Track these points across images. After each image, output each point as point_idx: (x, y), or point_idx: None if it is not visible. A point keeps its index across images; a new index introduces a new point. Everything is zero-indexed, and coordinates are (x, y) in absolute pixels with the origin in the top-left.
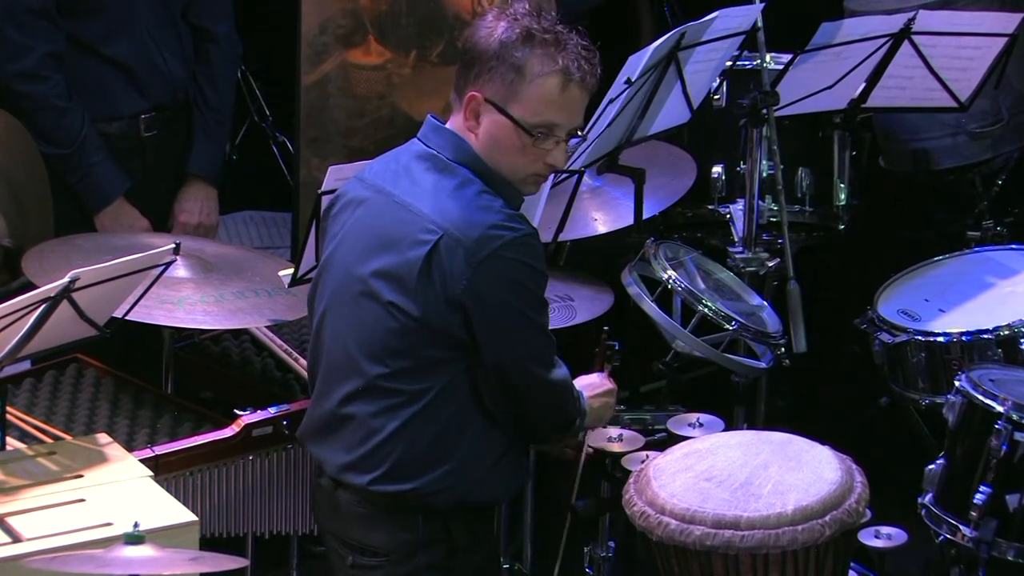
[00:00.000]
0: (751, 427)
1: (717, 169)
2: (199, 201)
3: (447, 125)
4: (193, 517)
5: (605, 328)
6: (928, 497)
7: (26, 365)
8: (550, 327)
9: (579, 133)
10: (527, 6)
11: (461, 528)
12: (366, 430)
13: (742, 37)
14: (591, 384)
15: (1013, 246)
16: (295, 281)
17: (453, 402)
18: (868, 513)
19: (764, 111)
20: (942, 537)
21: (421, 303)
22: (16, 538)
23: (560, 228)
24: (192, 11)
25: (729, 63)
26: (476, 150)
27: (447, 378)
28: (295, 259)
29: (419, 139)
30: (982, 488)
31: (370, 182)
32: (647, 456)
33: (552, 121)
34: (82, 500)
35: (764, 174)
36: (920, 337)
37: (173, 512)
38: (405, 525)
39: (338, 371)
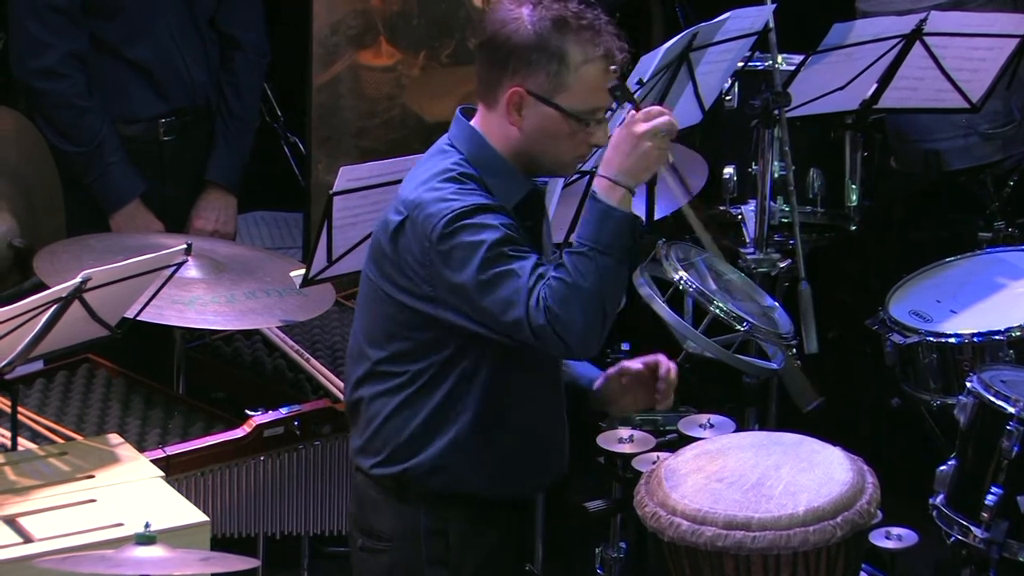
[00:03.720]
0: (762, 428)
1: (729, 170)
2: (216, 209)
3: (473, 120)
4: (204, 517)
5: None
6: (939, 498)
7: (38, 365)
8: None
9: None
10: None
11: (461, 522)
12: (369, 414)
13: (754, 38)
14: (610, 144)
15: None
16: (306, 282)
17: (446, 382)
18: (879, 514)
19: (776, 112)
20: (953, 538)
21: (400, 284)
22: (27, 538)
23: (571, 229)
24: (220, 17)
25: (741, 64)
26: (516, 142)
27: (441, 358)
28: (306, 260)
29: (448, 132)
30: (993, 489)
31: None
32: (658, 457)
33: (599, 105)
34: (93, 500)
35: (776, 175)
36: (932, 338)
37: (184, 512)
38: (408, 513)
39: (352, 359)
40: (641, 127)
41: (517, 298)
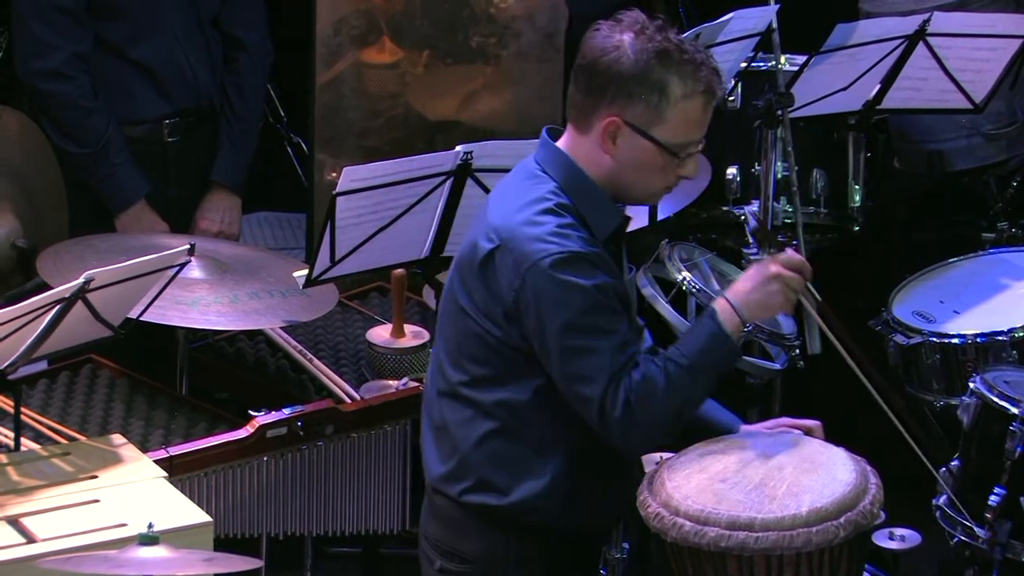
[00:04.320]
0: None
1: (732, 170)
2: (221, 210)
3: (560, 141)
4: (207, 518)
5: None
6: (943, 499)
7: (42, 366)
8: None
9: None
10: (643, 17)
11: (548, 551)
12: (453, 441)
13: (757, 38)
14: (745, 276)
15: None
16: (310, 282)
17: (536, 418)
18: (882, 515)
19: (779, 112)
20: (956, 539)
21: (485, 310)
22: (31, 539)
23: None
24: (224, 18)
25: (744, 64)
26: (607, 171)
27: (526, 392)
28: (310, 260)
29: (534, 155)
30: (997, 490)
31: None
32: (661, 457)
33: (694, 139)
34: (96, 501)
35: (779, 175)
36: (935, 339)
37: (187, 513)
38: (498, 537)
39: (433, 371)
40: (775, 268)
41: (597, 377)
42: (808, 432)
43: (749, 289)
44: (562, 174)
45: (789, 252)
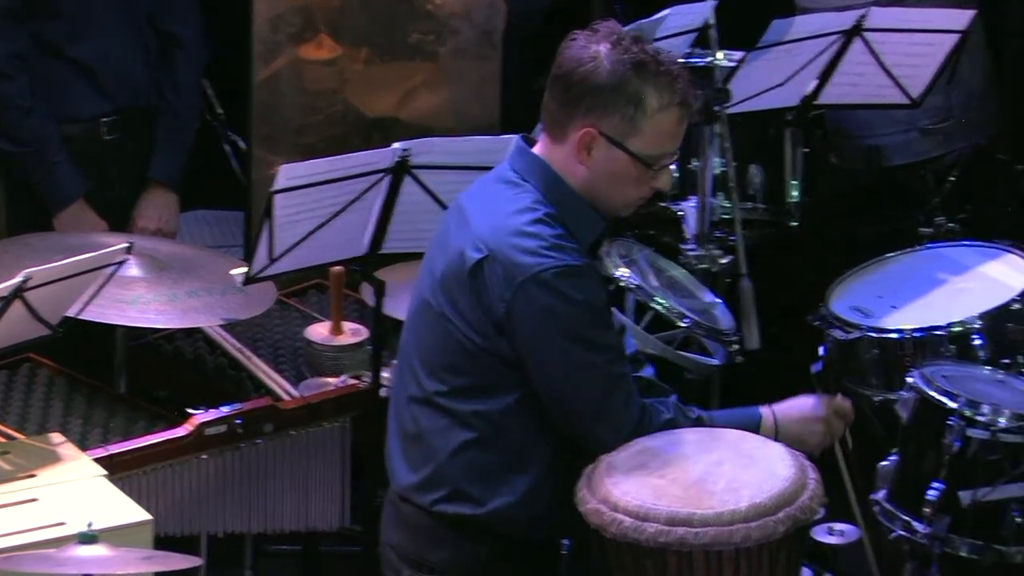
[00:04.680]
0: None
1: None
2: (159, 208)
3: (535, 149)
4: (147, 516)
5: (821, 351)
6: (881, 494)
7: None
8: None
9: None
10: (619, 27)
11: (522, 559)
12: (428, 451)
13: (694, 34)
14: (799, 405)
15: (965, 242)
16: (248, 280)
17: (515, 427)
18: (821, 510)
19: (716, 108)
20: (895, 533)
21: (471, 320)
22: None
23: None
24: (158, 14)
25: (681, 60)
26: (581, 181)
27: (506, 403)
28: (248, 258)
29: (508, 161)
30: (935, 484)
31: (460, 197)
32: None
33: (669, 151)
34: (35, 500)
35: (716, 171)
36: (873, 334)
37: (127, 511)
38: (468, 547)
39: (402, 376)
40: (826, 412)
41: (595, 391)
42: (839, 411)
43: (796, 419)
44: (543, 183)
45: (841, 399)
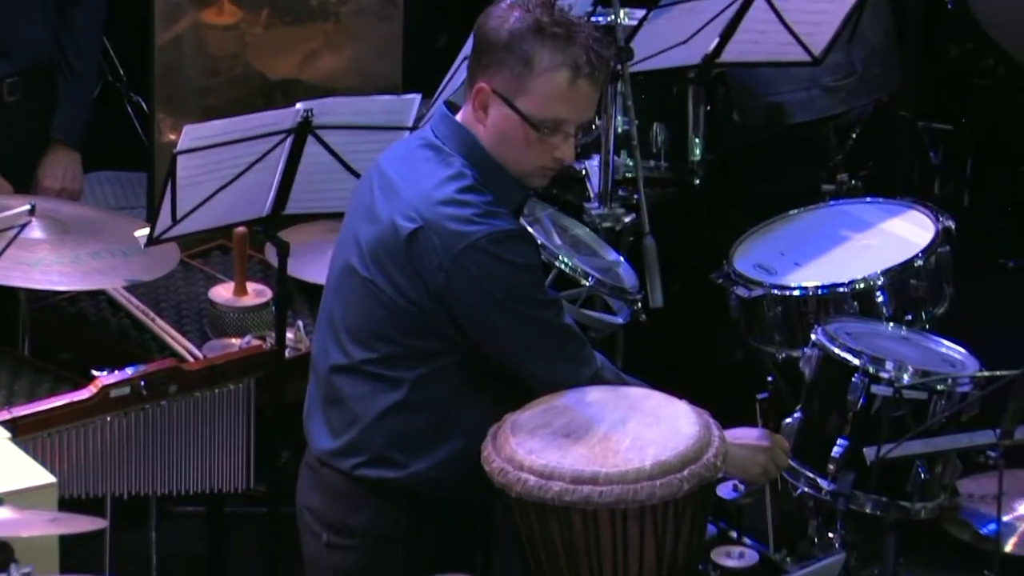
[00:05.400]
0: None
1: None
2: (63, 167)
3: (458, 116)
4: (51, 478)
5: (769, 379)
6: None
7: None
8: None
9: (594, 127)
10: None
11: (441, 521)
12: (351, 416)
13: None
14: (743, 435)
15: (868, 199)
16: (151, 241)
17: (442, 392)
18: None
19: (618, 67)
20: (800, 490)
21: (404, 289)
22: None
23: None
24: None
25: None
26: (482, 142)
27: (434, 369)
28: (151, 219)
29: (430, 126)
30: (839, 441)
31: (380, 160)
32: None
33: (560, 116)
34: None
35: (619, 130)
36: (776, 291)
37: (31, 473)
38: (389, 509)
39: (323, 342)
40: (770, 444)
41: (551, 345)
42: (782, 445)
43: (740, 445)
44: (464, 149)
45: (782, 439)
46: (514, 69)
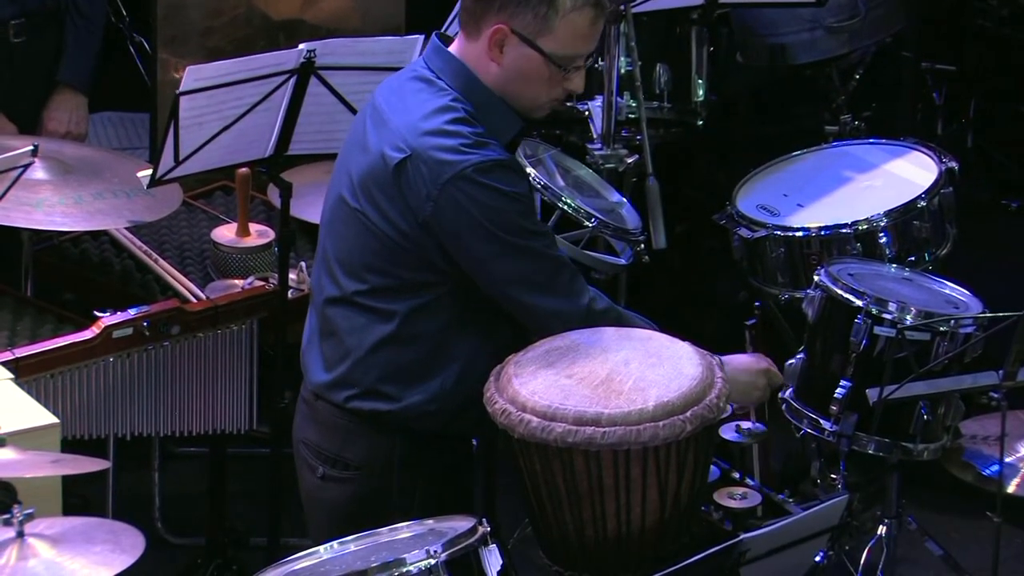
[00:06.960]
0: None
1: None
2: (68, 110)
3: (451, 48)
4: (54, 419)
5: (756, 304)
6: (788, 392)
7: None
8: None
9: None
10: None
11: (434, 454)
12: (344, 349)
13: None
14: (741, 360)
15: (871, 140)
16: (154, 182)
17: (434, 324)
18: (729, 408)
19: (622, 8)
20: (803, 432)
21: (394, 220)
22: None
23: None
24: None
25: None
26: (492, 79)
27: (425, 301)
28: (153, 160)
29: (423, 58)
30: (842, 383)
31: (375, 94)
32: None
33: (580, 52)
34: None
35: (622, 71)
36: (779, 232)
37: (34, 414)
38: (383, 443)
39: (319, 274)
40: (767, 366)
41: (544, 275)
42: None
43: (742, 370)
44: (458, 82)
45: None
46: (538, 11)
